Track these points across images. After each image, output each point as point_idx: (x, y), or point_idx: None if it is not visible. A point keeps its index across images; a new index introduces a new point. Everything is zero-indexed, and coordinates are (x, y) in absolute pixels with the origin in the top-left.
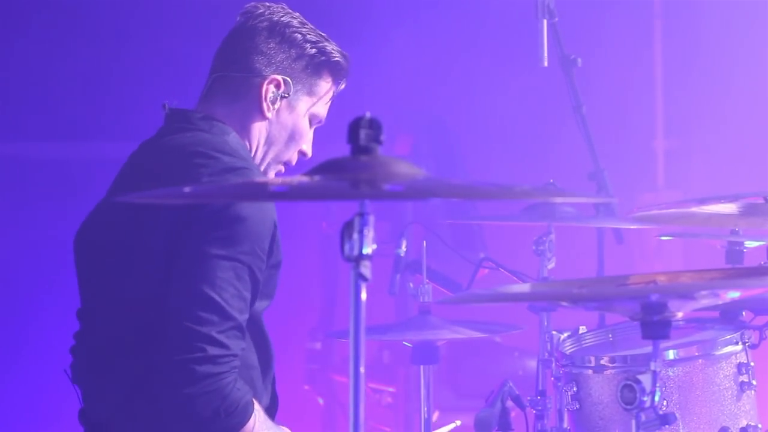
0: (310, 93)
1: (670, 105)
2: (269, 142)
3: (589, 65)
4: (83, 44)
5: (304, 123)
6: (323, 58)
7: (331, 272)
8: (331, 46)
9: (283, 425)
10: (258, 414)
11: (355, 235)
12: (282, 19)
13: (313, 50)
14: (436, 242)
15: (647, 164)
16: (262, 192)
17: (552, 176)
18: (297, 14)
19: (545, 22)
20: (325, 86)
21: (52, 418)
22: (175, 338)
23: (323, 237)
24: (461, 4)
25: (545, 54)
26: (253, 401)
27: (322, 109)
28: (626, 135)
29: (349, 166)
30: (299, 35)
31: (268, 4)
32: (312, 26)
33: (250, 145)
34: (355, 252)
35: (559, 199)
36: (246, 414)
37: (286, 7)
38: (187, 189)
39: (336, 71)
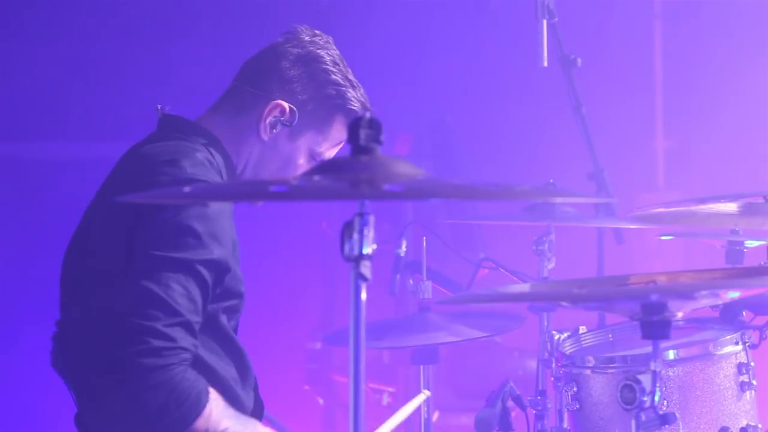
0: (319, 131)
1: (670, 105)
2: (260, 164)
3: (589, 65)
4: (83, 44)
5: (302, 157)
6: (339, 101)
7: (331, 272)
8: (352, 93)
9: (283, 424)
10: (216, 403)
11: (355, 235)
12: (317, 51)
13: (333, 92)
14: (436, 242)
15: (647, 164)
16: (262, 192)
17: (552, 176)
18: (336, 52)
19: (545, 22)
20: (337, 130)
21: (51, 422)
22: (120, 333)
23: (323, 237)
24: (461, 4)
25: (545, 54)
26: (208, 390)
27: (328, 151)
28: (626, 135)
29: (349, 166)
30: (325, 74)
31: (317, 32)
32: (346, 68)
33: (240, 161)
34: (355, 252)
35: (559, 199)
36: (199, 404)
37: (331, 42)
38: (187, 189)
39: (350, 118)
